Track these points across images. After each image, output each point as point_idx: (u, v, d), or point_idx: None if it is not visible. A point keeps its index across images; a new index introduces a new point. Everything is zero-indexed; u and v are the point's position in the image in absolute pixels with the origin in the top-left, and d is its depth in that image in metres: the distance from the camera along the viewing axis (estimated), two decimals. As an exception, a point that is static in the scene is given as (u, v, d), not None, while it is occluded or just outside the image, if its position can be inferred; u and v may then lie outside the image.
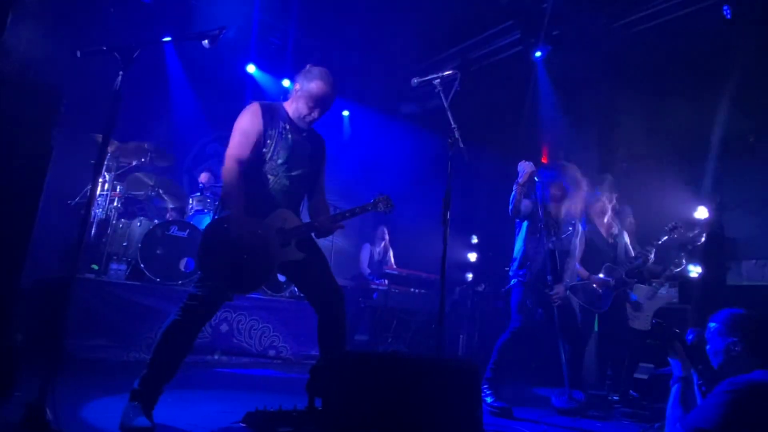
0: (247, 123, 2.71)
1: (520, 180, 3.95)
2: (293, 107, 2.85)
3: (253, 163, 2.68)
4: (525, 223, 4.19)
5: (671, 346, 2.46)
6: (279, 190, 2.75)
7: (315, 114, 2.85)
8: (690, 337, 2.49)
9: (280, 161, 2.75)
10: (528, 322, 3.95)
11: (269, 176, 2.72)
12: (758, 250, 6.28)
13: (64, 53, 2.81)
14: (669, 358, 2.49)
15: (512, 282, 4.13)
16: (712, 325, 2.34)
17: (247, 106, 2.77)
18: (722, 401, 2.02)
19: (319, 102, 2.82)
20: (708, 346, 2.33)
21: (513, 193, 4.01)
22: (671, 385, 2.41)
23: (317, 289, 2.78)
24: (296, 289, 2.64)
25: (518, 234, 4.25)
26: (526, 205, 4.07)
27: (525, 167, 3.97)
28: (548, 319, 4.03)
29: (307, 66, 2.92)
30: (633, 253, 4.69)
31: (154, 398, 2.49)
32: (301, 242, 2.75)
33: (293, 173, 2.80)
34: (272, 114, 2.78)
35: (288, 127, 2.81)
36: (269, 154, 2.72)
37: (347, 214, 2.92)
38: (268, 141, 2.72)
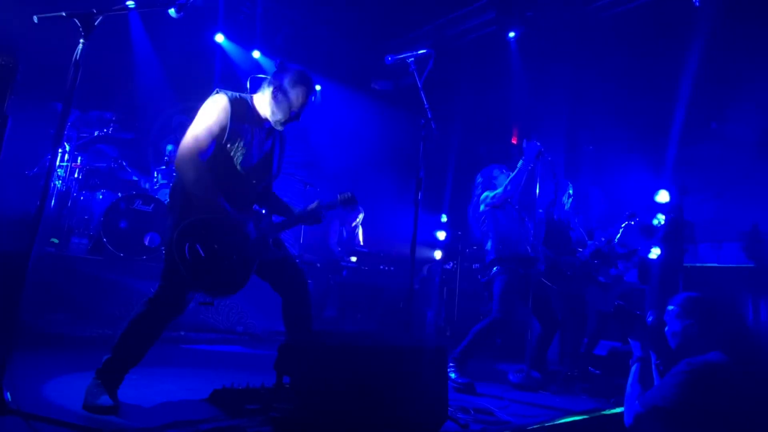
0: (213, 118, 2.49)
1: (527, 159, 3.88)
2: (267, 107, 2.65)
3: (217, 162, 2.51)
4: (504, 209, 4.11)
5: (632, 327, 2.55)
6: (244, 189, 2.64)
7: (292, 120, 2.70)
8: (650, 318, 2.58)
9: (245, 161, 2.59)
10: (510, 313, 3.90)
11: (234, 176, 2.57)
12: (714, 233, 6.55)
13: (19, 17, 2.66)
14: (629, 339, 2.59)
15: (495, 269, 4.07)
16: (671, 307, 2.43)
17: (214, 97, 2.56)
18: (679, 381, 2.11)
19: (300, 110, 2.68)
20: (666, 328, 2.42)
21: (519, 172, 3.92)
22: (631, 364, 2.50)
23: (284, 279, 2.73)
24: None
25: (489, 220, 4.17)
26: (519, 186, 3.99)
27: (532, 147, 3.88)
28: (524, 302, 4.10)
29: (289, 67, 2.70)
30: (588, 239, 4.82)
31: (119, 379, 2.46)
32: (276, 239, 2.70)
33: (258, 173, 2.69)
34: (241, 110, 2.58)
35: (256, 127, 2.64)
36: (234, 154, 2.55)
37: (324, 208, 2.89)
38: (234, 140, 2.54)
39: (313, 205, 2.88)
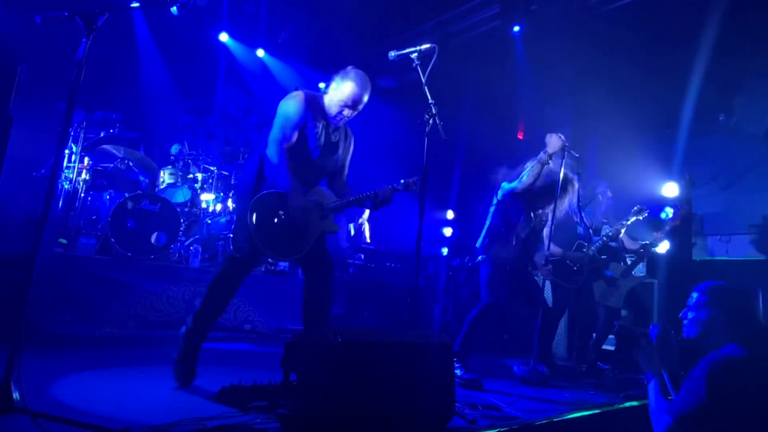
0: (291, 109, 2.90)
1: (549, 152, 3.81)
2: (327, 104, 3.00)
3: (294, 148, 2.89)
4: (515, 201, 4.06)
5: (638, 347, 2.45)
6: (313, 173, 3.02)
7: (345, 114, 3.00)
8: (654, 332, 2.47)
9: (313, 152, 2.96)
10: (499, 296, 3.97)
11: (305, 161, 2.94)
12: (722, 226, 6.49)
13: (22, 17, 2.67)
14: (639, 359, 2.47)
15: (480, 258, 4.10)
16: (695, 295, 2.34)
17: (292, 93, 2.97)
18: (703, 382, 2.04)
19: (349, 104, 2.97)
20: (690, 315, 2.32)
21: (533, 166, 3.85)
22: (646, 383, 2.42)
23: (316, 262, 3.03)
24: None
25: (495, 210, 4.15)
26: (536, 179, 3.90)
27: (554, 140, 3.81)
28: (517, 298, 4.09)
29: (348, 67, 3.08)
30: (595, 234, 4.78)
31: (203, 335, 2.95)
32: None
33: (324, 164, 3.05)
34: (313, 105, 2.96)
35: (324, 121, 3.00)
36: (306, 143, 2.93)
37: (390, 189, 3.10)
38: (306, 130, 2.92)
39: (384, 189, 3.09)
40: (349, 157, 3.28)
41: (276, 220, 2.80)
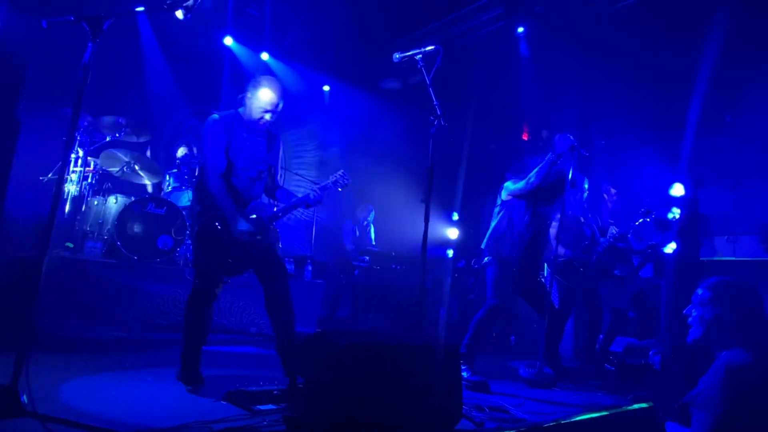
0: (212, 137, 3.08)
1: (558, 153, 3.79)
2: (247, 113, 3.18)
3: (226, 169, 3.09)
4: (519, 202, 4.05)
5: (643, 380, 2.26)
6: (247, 187, 3.18)
7: (267, 118, 3.17)
8: (656, 359, 2.31)
9: (243, 163, 3.16)
10: (504, 298, 3.96)
11: (237, 177, 3.14)
12: (730, 226, 6.45)
13: (29, 22, 2.69)
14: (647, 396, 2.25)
15: (486, 259, 4.09)
16: (700, 291, 2.19)
17: (208, 121, 3.14)
18: (716, 393, 1.93)
19: (268, 108, 3.15)
20: (695, 313, 2.20)
21: (543, 166, 3.82)
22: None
23: (271, 270, 3.17)
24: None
25: (500, 210, 4.15)
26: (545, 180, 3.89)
27: (565, 140, 3.79)
28: (523, 299, 4.07)
29: (258, 76, 3.29)
30: (602, 234, 4.76)
31: (197, 359, 3.02)
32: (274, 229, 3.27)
33: (255, 171, 3.21)
34: (230, 123, 3.14)
35: (245, 134, 3.18)
36: (235, 158, 3.12)
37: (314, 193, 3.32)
38: (233, 149, 3.12)
39: (315, 191, 3.34)
40: (279, 159, 3.46)
41: (222, 244, 3.00)
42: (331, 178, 3.38)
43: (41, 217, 5.21)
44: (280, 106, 3.20)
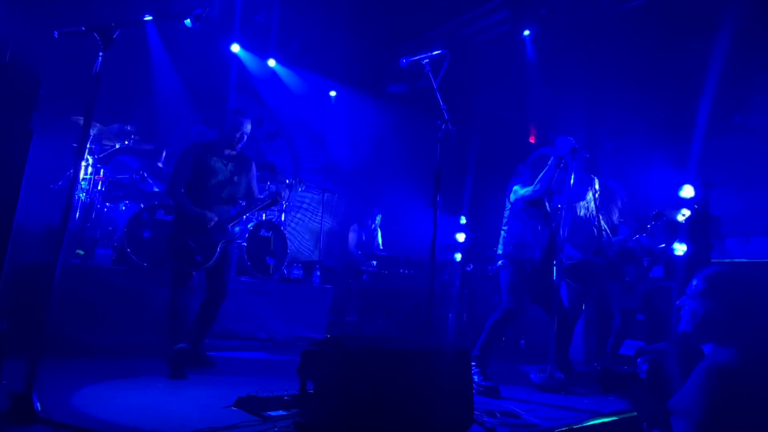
0: (181, 161, 3.81)
1: (559, 155, 3.77)
2: (227, 139, 3.90)
3: (194, 185, 3.76)
4: (528, 205, 4.02)
5: (630, 390, 2.10)
6: (217, 200, 3.81)
7: (235, 147, 3.92)
8: (643, 368, 2.10)
9: (213, 180, 3.80)
10: (520, 303, 3.91)
11: (208, 196, 3.77)
12: (741, 227, 6.39)
13: (40, 33, 2.73)
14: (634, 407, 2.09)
15: (500, 263, 4.07)
16: (694, 282, 2.05)
17: (185, 149, 3.87)
18: (699, 398, 1.79)
19: (234, 139, 3.90)
20: (687, 305, 2.07)
21: (547, 170, 3.81)
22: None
23: (215, 285, 3.83)
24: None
25: (511, 213, 4.12)
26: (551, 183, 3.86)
27: (565, 143, 3.77)
28: (535, 301, 4.05)
29: (229, 111, 4.05)
30: (612, 235, 4.73)
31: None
32: (228, 241, 3.80)
33: (225, 192, 3.84)
34: (204, 150, 3.85)
35: (216, 156, 3.85)
36: (206, 180, 3.77)
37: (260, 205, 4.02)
38: (203, 170, 3.77)
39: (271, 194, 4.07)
40: (252, 180, 4.05)
41: (183, 239, 3.63)
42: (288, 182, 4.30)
43: (52, 224, 5.24)
44: (248, 133, 3.95)
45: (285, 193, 4.17)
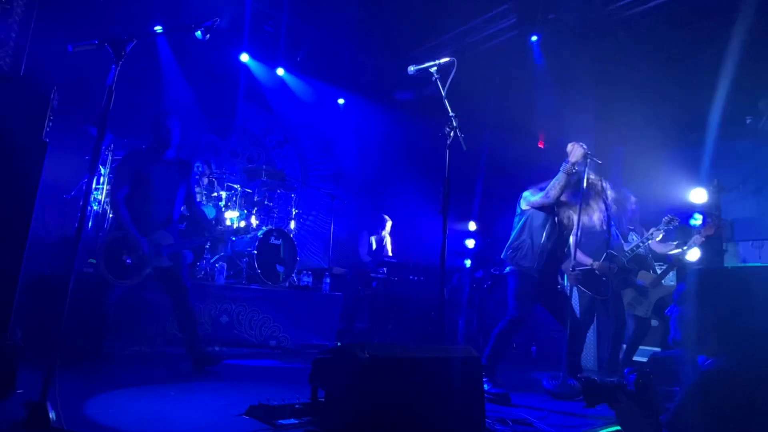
0: (120, 170, 3.90)
1: (571, 161, 3.76)
2: (163, 145, 3.95)
3: (135, 196, 3.81)
4: (538, 212, 3.99)
5: (615, 404, 1.92)
6: (157, 209, 3.87)
7: (165, 147, 3.94)
8: (631, 379, 1.97)
9: (153, 190, 3.85)
10: (526, 311, 3.89)
11: (148, 203, 3.82)
12: (754, 231, 6.31)
13: (55, 46, 2.77)
14: (620, 423, 1.96)
15: (508, 269, 4.05)
16: (681, 288, 1.97)
17: (123, 157, 4.05)
18: (682, 406, 1.73)
19: (164, 144, 3.94)
20: (674, 313, 2.01)
21: (558, 177, 3.79)
22: None
23: (168, 285, 3.98)
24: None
25: (524, 220, 4.09)
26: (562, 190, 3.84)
27: (576, 149, 3.75)
28: (545, 309, 4.03)
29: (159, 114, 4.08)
30: (622, 241, 4.69)
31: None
32: (171, 254, 3.92)
33: (163, 197, 3.90)
34: (140, 158, 3.90)
35: (155, 164, 3.89)
36: (144, 187, 3.81)
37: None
38: (142, 178, 3.81)
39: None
40: (193, 185, 4.13)
41: (120, 257, 3.75)
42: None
43: (65, 233, 5.31)
44: (170, 142, 3.95)
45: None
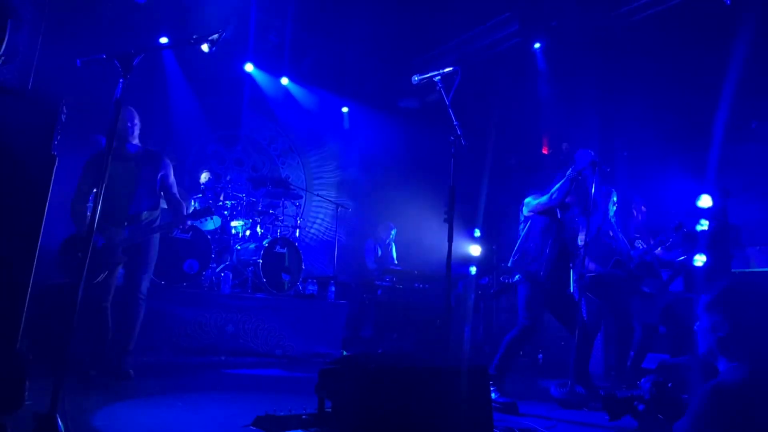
0: (83, 171, 3.75)
1: (578, 169, 3.76)
2: (125, 138, 3.77)
3: (94, 195, 3.45)
4: (543, 217, 3.99)
5: (638, 412, 1.98)
6: (113, 207, 3.64)
7: (126, 146, 3.77)
8: (646, 388, 2.06)
9: (108, 188, 3.43)
10: (537, 320, 3.87)
11: (104, 201, 3.47)
12: (763, 235, 6.27)
13: (62, 59, 2.81)
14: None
15: (517, 277, 4.04)
16: (703, 301, 2.00)
17: (85, 163, 3.76)
18: (701, 417, 1.72)
19: (126, 131, 3.78)
20: (698, 324, 2.01)
21: (564, 182, 3.80)
22: None
23: (127, 283, 3.82)
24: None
25: (528, 226, 4.09)
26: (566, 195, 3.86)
27: (585, 156, 3.75)
28: (554, 315, 4.01)
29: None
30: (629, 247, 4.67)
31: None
32: (128, 248, 3.73)
33: (121, 193, 3.72)
34: (98, 158, 3.70)
35: (115, 161, 3.58)
36: (101, 185, 3.42)
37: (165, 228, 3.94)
38: (100, 177, 3.50)
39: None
40: (166, 176, 3.92)
41: (74, 255, 3.62)
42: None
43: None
44: (126, 135, 3.76)
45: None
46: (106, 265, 3.63)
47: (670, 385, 2.11)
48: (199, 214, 4.21)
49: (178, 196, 4.06)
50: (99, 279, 3.61)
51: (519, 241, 4.10)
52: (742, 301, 1.88)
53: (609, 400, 1.99)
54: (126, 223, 3.76)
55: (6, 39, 2.23)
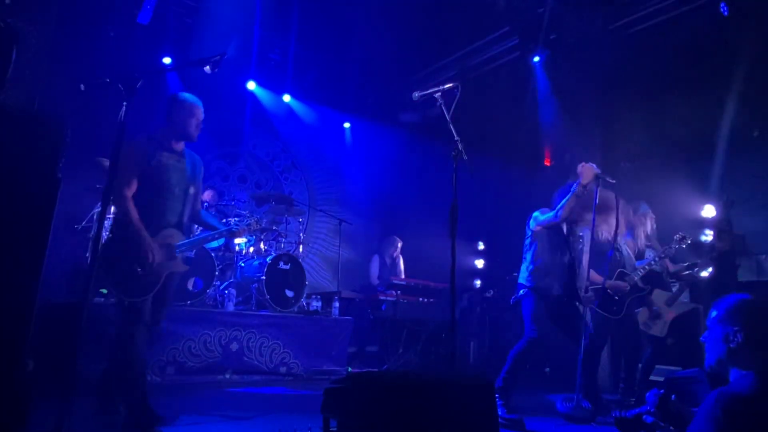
0: (128, 158, 2.87)
1: (582, 183, 3.75)
2: (181, 130, 3.22)
3: (143, 189, 3.02)
4: (549, 232, 4.00)
5: (650, 428, 1.99)
6: (166, 209, 3.10)
7: (187, 138, 3.25)
8: (651, 400, 2.05)
9: (163, 183, 3.09)
10: (543, 333, 3.85)
11: (156, 198, 3.07)
12: (765, 245, 6.23)
13: (66, 82, 2.84)
14: None
15: (522, 292, 4.03)
16: (714, 313, 1.99)
17: (128, 142, 2.85)
18: (710, 425, 1.70)
19: (201, 118, 3.30)
20: (707, 335, 2.02)
21: (569, 197, 3.79)
22: None
23: (159, 302, 3.09)
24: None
25: (532, 241, 4.09)
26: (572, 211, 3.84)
27: (587, 170, 3.75)
28: (559, 328, 3.99)
29: (174, 96, 3.32)
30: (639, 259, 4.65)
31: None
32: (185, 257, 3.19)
33: (175, 193, 3.15)
34: (150, 145, 3.09)
35: (166, 153, 3.14)
36: (154, 180, 3.06)
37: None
38: (152, 169, 3.05)
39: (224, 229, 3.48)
40: (200, 184, 3.42)
41: (125, 263, 2.92)
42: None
43: (76, 263, 5.35)
44: (194, 132, 3.28)
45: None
46: (158, 275, 3.00)
47: (673, 397, 2.11)
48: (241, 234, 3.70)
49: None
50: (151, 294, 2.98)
51: (529, 255, 4.08)
52: (757, 310, 1.89)
53: (620, 423, 2.06)
54: (178, 229, 3.19)
55: (12, 64, 2.26)
